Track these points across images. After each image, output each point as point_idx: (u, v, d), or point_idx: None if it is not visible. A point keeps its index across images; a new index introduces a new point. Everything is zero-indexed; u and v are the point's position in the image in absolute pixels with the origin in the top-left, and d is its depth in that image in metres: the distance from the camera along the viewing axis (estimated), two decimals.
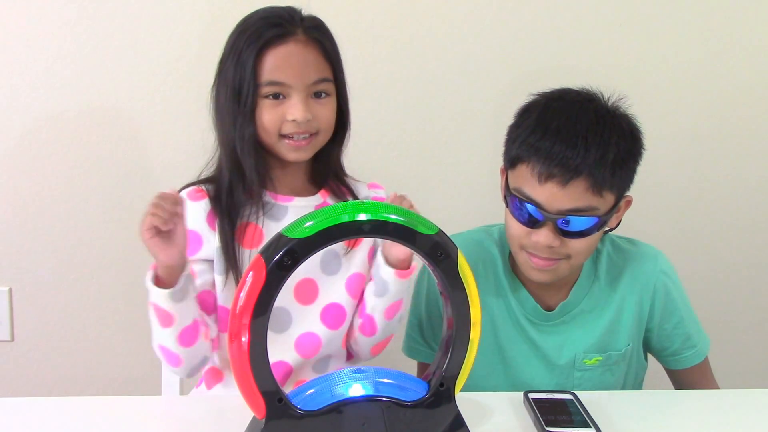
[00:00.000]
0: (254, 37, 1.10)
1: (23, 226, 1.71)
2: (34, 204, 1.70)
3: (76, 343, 1.78)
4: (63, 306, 1.76)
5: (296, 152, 1.14)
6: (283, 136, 1.13)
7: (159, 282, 1.05)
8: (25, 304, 1.75)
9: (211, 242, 1.16)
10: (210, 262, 1.17)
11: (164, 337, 1.09)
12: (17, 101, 1.65)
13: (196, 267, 1.15)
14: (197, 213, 1.17)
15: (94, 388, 1.80)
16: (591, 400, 1.03)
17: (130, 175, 1.70)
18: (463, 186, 1.76)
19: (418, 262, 1.13)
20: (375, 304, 1.18)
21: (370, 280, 1.21)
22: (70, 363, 1.79)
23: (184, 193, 1.19)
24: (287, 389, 1.14)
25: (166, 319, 1.06)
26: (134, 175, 1.70)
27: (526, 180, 1.11)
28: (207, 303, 1.17)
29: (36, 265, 1.74)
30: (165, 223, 1.00)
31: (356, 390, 0.88)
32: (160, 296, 1.04)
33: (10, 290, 1.75)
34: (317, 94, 1.13)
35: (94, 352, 1.79)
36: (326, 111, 1.15)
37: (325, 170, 1.22)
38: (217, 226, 1.16)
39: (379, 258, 1.16)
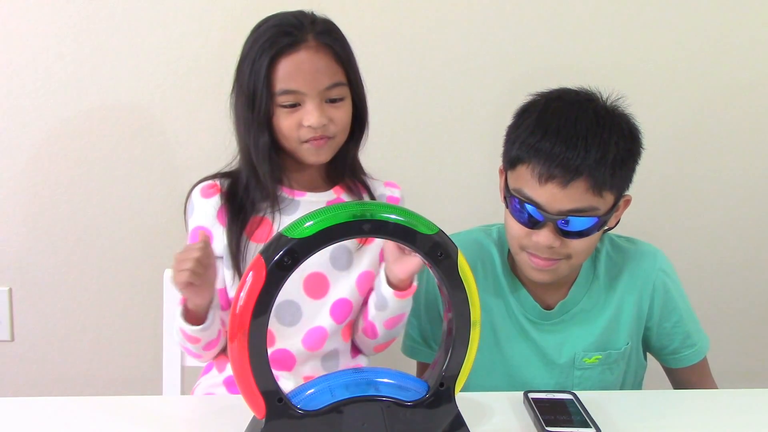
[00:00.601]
0: (266, 46, 1.11)
1: (23, 226, 1.71)
2: (34, 204, 1.70)
3: (76, 343, 1.78)
4: (63, 306, 1.76)
5: (317, 155, 1.15)
6: (303, 141, 1.14)
7: (187, 313, 1.12)
8: (25, 304, 1.75)
9: (220, 239, 1.18)
10: (220, 258, 1.18)
11: (188, 346, 1.17)
12: (17, 101, 1.65)
13: None
14: (207, 210, 1.19)
15: (94, 388, 1.80)
16: (591, 400, 1.03)
17: (131, 176, 1.70)
18: (463, 186, 1.76)
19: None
20: (375, 315, 1.19)
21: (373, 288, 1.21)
22: (70, 363, 1.79)
23: (197, 189, 1.21)
24: (289, 380, 1.15)
25: (193, 341, 1.14)
26: (135, 176, 1.70)
27: (526, 181, 1.12)
28: (222, 300, 1.20)
29: (36, 265, 1.73)
30: (200, 277, 1.05)
31: (356, 390, 0.88)
32: (189, 329, 1.12)
33: (10, 290, 1.75)
34: (332, 99, 1.14)
35: (94, 352, 1.79)
36: (341, 114, 1.15)
37: (341, 168, 1.23)
38: (226, 223, 1.18)
39: (381, 274, 1.16)
